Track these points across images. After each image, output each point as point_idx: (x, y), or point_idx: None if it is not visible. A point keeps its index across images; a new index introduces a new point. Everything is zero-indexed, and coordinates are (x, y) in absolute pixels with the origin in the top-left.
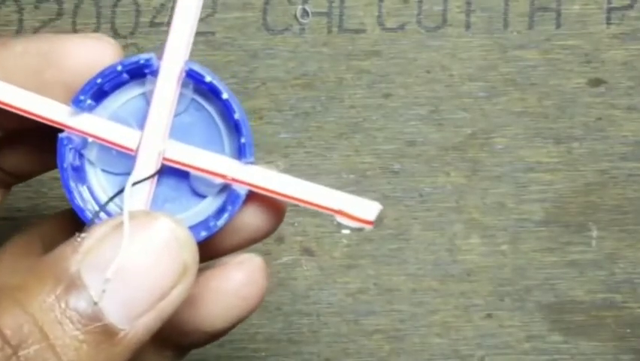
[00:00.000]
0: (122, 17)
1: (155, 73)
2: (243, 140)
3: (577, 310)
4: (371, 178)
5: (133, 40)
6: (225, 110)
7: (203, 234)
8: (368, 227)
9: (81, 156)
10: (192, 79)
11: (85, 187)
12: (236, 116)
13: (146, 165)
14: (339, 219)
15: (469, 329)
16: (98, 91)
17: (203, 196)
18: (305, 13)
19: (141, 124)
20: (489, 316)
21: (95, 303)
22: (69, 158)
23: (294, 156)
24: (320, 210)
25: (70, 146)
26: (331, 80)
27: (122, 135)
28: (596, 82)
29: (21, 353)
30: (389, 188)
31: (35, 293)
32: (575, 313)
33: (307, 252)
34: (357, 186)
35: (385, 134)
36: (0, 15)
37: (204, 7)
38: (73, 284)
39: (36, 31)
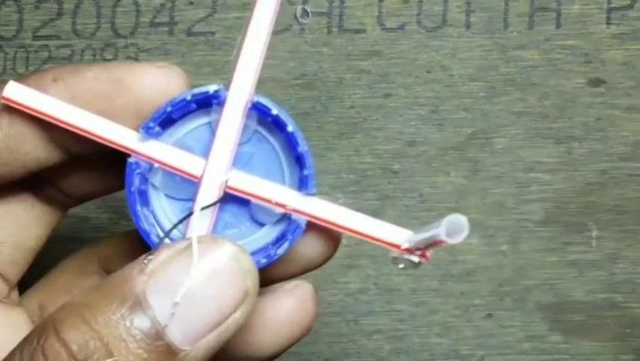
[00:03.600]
0: (122, 17)
1: (221, 103)
2: (305, 172)
3: (577, 310)
4: (371, 178)
5: (133, 40)
6: (289, 142)
7: (263, 261)
8: (424, 261)
9: (146, 180)
10: (257, 111)
11: (149, 211)
12: (300, 148)
13: (209, 192)
14: (394, 253)
15: (469, 329)
16: (167, 118)
17: (261, 224)
18: (305, 13)
19: (205, 152)
20: (489, 316)
21: (161, 324)
22: (136, 182)
23: None
24: (378, 243)
25: (138, 170)
26: (331, 80)
27: (188, 162)
28: (596, 82)
29: None
30: (389, 188)
31: (102, 311)
32: (575, 313)
33: None
34: (357, 186)
35: (385, 134)
36: (0, 15)
37: (204, 7)
38: (138, 304)
39: (36, 30)
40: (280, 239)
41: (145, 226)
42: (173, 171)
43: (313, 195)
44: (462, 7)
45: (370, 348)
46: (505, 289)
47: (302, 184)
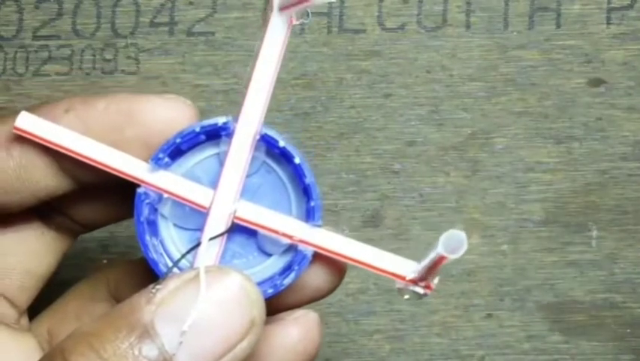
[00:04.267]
0: (122, 17)
1: (230, 135)
2: (312, 203)
3: (577, 310)
4: (371, 178)
5: (133, 40)
6: (296, 173)
7: (270, 291)
8: (428, 293)
9: (155, 210)
10: (265, 143)
11: (157, 241)
12: (307, 180)
13: (217, 222)
14: (400, 284)
15: (469, 329)
16: (176, 150)
17: (269, 254)
18: (305, 13)
19: (214, 183)
20: (489, 316)
21: (169, 353)
22: (145, 212)
23: None
24: (384, 275)
25: (147, 201)
26: (331, 80)
27: (197, 193)
28: (596, 82)
29: None
30: (389, 188)
31: (110, 340)
32: (575, 313)
33: None
34: (357, 186)
35: (385, 134)
36: (0, 15)
37: (204, 7)
38: (146, 333)
39: (36, 30)
40: (287, 269)
41: (153, 255)
42: (182, 201)
43: (319, 226)
44: (462, 7)
45: (370, 348)
46: (505, 289)
47: (309, 215)
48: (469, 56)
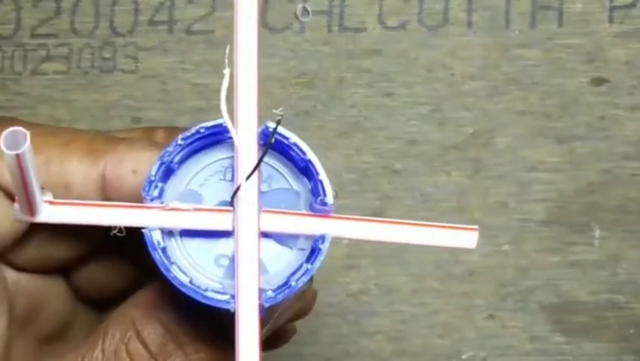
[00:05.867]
0: (121, 16)
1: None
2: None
3: (579, 310)
4: (372, 178)
5: (132, 39)
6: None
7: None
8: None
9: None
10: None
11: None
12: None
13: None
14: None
15: (471, 329)
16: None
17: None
18: (305, 11)
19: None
20: (491, 316)
21: None
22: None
23: None
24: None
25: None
26: (332, 79)
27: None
28: (599, 81)
29: None
30: (390, 187)
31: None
32: (577, 313)
33: None
34: (358, 185)
35: (386, 133)
36: None
37: (204, 5)
38: None
39: (34, 29)
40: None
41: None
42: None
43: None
44: (463, 5)
45: (371, 349)
46: (507, 289)
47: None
48: (470, 55)
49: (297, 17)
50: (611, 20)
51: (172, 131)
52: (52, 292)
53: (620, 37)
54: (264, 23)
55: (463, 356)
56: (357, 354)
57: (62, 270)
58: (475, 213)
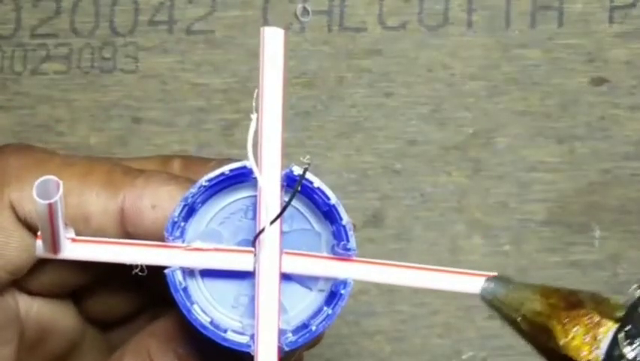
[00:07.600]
0: (121, 16)
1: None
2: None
3: None
4: (372, 178)
5: (132, 39)
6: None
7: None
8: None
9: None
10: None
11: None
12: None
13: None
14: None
15: (471, 329)
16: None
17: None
18: (305, 11)
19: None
20: (491, 317)
21: None
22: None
23: (295, 156)
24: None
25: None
26: (332, 79)
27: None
28: (599, 81)
29: None
30: (390, 188)
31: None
32: None
33: None
34: (358, 185)
35: (386, 133)
36: None
37: (204, 5)
38: None
39: (34, 29)
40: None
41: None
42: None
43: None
44: (463, 5)
45: (371, 349)
46: None
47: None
48: (470, 55)
49: (297, 17)
50: (611, 20)
51: (188, 161)
52: (62, 315)
53: (620, 37)
54: (264, 23)
55: (463, 356)
56: (357, 354)
57: (73, 293)
58: (475, 213)
